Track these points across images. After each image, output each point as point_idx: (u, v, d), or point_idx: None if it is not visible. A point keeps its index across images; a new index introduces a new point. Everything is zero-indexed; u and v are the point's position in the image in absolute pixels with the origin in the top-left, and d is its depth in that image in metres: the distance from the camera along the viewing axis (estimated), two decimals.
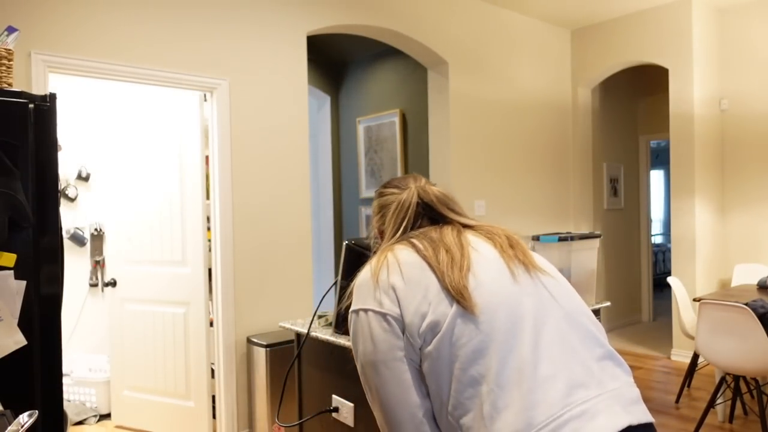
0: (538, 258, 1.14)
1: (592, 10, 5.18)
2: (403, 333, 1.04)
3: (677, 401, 4.05)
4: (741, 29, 5.09)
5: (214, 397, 3.58)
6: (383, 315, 1.05)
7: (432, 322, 1.01)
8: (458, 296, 1.01)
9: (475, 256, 1.08)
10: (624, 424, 0.96)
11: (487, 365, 0.97)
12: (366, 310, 1.07)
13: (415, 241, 1.12)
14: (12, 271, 1.74)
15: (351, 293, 1.15)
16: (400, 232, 1.20)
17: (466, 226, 1.19)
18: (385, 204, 1.28)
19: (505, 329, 1.00)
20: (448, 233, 1.13)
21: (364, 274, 1.12)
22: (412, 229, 1.20)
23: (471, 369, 0.98)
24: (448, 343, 1.00)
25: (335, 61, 5.98)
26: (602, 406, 0.97)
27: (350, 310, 1.12)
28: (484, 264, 1.07)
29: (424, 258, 1.08)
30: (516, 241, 1.14)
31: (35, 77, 2.81)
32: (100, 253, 4.42)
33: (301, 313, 3.76)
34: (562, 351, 1.00)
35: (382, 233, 1.27)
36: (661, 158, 10.85)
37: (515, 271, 1.07)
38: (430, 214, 1.22)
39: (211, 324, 3.58)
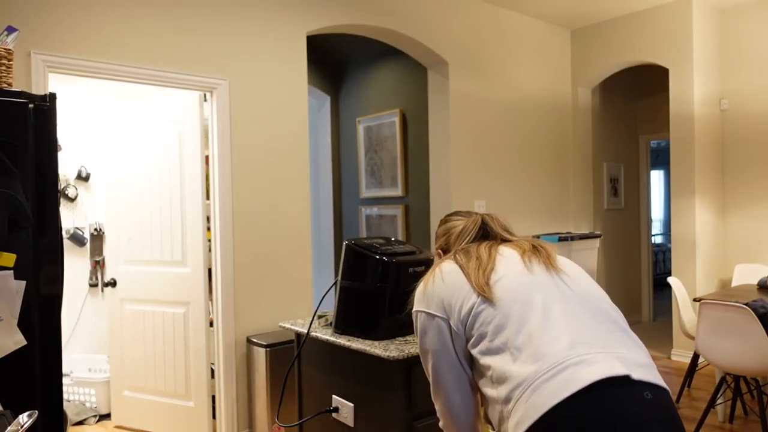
0: (560, 259, 1.42)
1: (592, 10, 5.18)
2: (449, 326, 1.36)
3: (677, 401, 4.05)
4: (741, 29, 5.09)
5: (214, 397, 3.58)
6: (432, 315, 1.39)
7: (466, 312, 1.32)
8: (480, 290, 1.32)
9: (499, 259, 1.39)
10: (622, 373, 1.13)
11: (507, 336, 1.25)
12: (421, 312, 1.42)
13: (456, 255, 1.46)
14: (12, 271, 1.74)
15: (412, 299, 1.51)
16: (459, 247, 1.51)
17: (504, 240, 1.51)
18: (451, 228, 1.64)
19: (519, 309, 1.27)
20: (483, 246, 1.45)
21: (421, 286, 1.46)
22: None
23: (496, 340, 1.26)
24: (478, 324, 1.30)
25: (335, 61, 5.98)
26: (600, 358, 1.16)
27: (413, 310, 1.46)
28: (506, 264, 1.37)
29: (460, 266, 1.40)
30: (540, 247, 1.43)
31: (35, 77, 2.81)
32: (100, 253, 4.42)
33: (301, 313, 3.76)
34: (569, 321, 1.24)
35: (443, 251, 1.64)
36: (661, 158, 10.85)
37: (532, 268, 1.36)
38: (485, 234, 1.54)
39: (211, 324, 3.57)
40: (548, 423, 1.12)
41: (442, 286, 1.39)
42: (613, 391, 1.12)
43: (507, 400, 1.20)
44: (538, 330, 1.23)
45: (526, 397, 1.16)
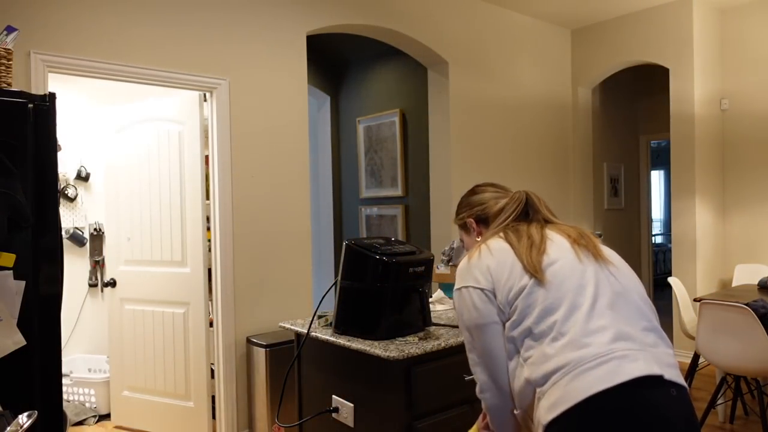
0: (605, 249, 1.43)
1: (592, 10, 5.17)
2: (496, 300, 1.35)
3: None
4: (741, 29, 5.09)
5: (213, 397, 3.57)
6: (481, 290, 1.37)
7: (516, 292, 1.32)
8: (533, 271, 1.32)
9: (549, 243, 1.39)
10: (657, 373, 1.19)
11: (554, 320, 1.27)
12: (467, 287, 1.39)
13: (505, 233, 1.44)
14: (11, 271, 1.74)
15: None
16: (503, 224, 1.49)
17: (548, 222, 1.49)
18: (487, 199, 1.64)
19: (570, 296, 1.29)
20: (533, 227, 1.44)
21: (464, 261, 1.44)
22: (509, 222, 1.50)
23: (542, 323, 1.27)
24: (525, 305, 1.30)
25: (335, 61, 5.98)
26: (641, 356, 1.21)
27: (454, 289, 1.44)
28: (556, 249, 1.38)
29: (511, 244, 1.40)
30: (586, 235, 1.45)
31: (34, 77, 2.81)
32: (100, 253, 4.41)
33: (301, 313, 3.76)
34: (614, 315, 1.27)
35: (478, 221, 1.64)
36: (661, 158, 10.84)
37: (581, 256, 1.37)
38: (527, 212, 1.51)
39: (211, 324, 3.57)
40: (585, 410, 1.16)
41: (491, 261, 1.38)
42: (651, 390, 1.18)
43: (542, 380, 1.23)
44: (585, 319, 1.26)
45: (565, 382, 1.20)
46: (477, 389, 1.41)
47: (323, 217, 5.90)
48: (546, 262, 1.34)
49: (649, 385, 1.18)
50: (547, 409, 1.20)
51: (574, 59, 5.67)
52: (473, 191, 1.71)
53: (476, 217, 1.64)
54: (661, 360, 1.23)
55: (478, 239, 1.61)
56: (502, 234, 1.45)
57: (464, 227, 1.69)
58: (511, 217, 1.50)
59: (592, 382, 1.17)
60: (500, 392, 1.36)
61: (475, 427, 1.51)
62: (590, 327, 1.24)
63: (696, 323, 3.37)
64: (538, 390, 1.24)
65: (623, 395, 1.16)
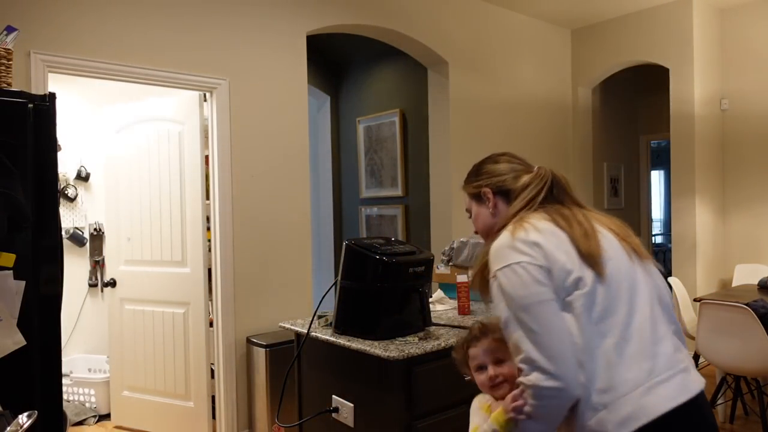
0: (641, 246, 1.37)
1: (592, 10, 5.17)
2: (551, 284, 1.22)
3: None
4: (741, 29, 5.08)
5: (213, 397, 3.57)
6: (539, 266, 1.22)
7: (575, 279, 1.21)
8: (594, 263, 1.22)
9: (600, 237, 1.29)
10: (703, 383, 1.23)
11: (614, 323, 1.19)
12: (520, 263, 1.23)
13: (549, 214, 1.32)
14: (11, 271, 1.74)
15: (481, 263, 1.34)
16: (532, 202, 1.37)
17: (581, 207, 1.39)
18: (505, 171, 1.47)
19: (626, 297, 1.22)
20: (578, 213, 1.33)
21: (504, 240, 1.29)
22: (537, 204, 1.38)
23: (602, 324, 1.19)
24: (585, 300, 1.20)
25: (335, 61, 5.98)
26: (692, 367, 1.23)
27: (494, 271, 1.26)
28: (608, 245, 1.28)
29: (562, 228, 1.28)
30: (630, 233, 1.36)
31: (35, 77, 2.81)
32: (100, 253, 4.41)
33: (301, 313, 3.75)
34: (665, 320, 1.26)
35: (496, 193, 1.47)
36: (661, 158, 10.83)
37: (630, 255, 1.29)
38: (555, 194, 1.40)
39: (211, 324, 3.57)
40: (661, 426, 1.14)
41: (542, 239, 1.25)
42: (704, 402, 1.23)
43: (606, 389, 1.15)
44: (648, 325, 1.21)
45: (638, 395, 1.15)
46: (525, 369, 1.18)
47: (323, 217, 5.90)
48: (605, 257, 1.24)
49: (703, 397, 1.22)
50: (617, 424, 1.14)
51: (574, 59, 5.67)
52: (492, 159, 1.55)
53: (495, 188, 1.48)
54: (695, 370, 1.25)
55: (491, 211, 1.47)
56: (545, 215, 1.31)
57: (477, 197, 1.52)
58: (540, 196, 1.38)
59: (667, 397, 1.15)
60: (566, 373, 1.15)
61: (500, 410, 1.29)
62: (656, 335, 1.20)
63: (696, 323, 3.37)
64: (595, 396, 1.16)
65: (692, 411, 1.17)
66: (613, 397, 1.15)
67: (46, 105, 1.85)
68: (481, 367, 1.42)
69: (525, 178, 1.43)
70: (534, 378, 1.16)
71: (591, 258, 1.22)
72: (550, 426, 1.21)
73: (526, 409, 1.19)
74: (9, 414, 1.41)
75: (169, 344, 3.68)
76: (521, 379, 1.19)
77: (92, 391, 4.03)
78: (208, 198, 3.58)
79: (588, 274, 1.21)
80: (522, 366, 1.19)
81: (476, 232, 1.57)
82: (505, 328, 1.24)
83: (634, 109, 6.73)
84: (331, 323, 2.24)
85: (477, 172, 1.54)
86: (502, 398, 1.33)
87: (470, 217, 1.57)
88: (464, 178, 1.59)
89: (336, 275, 2.25)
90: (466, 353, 1.46)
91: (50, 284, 1.86)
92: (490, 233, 1.47)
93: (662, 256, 9.20)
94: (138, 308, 3.79)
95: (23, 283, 1.76)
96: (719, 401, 3.59)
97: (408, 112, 5.24)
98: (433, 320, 2.30)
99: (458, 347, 1.50)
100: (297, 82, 3.79)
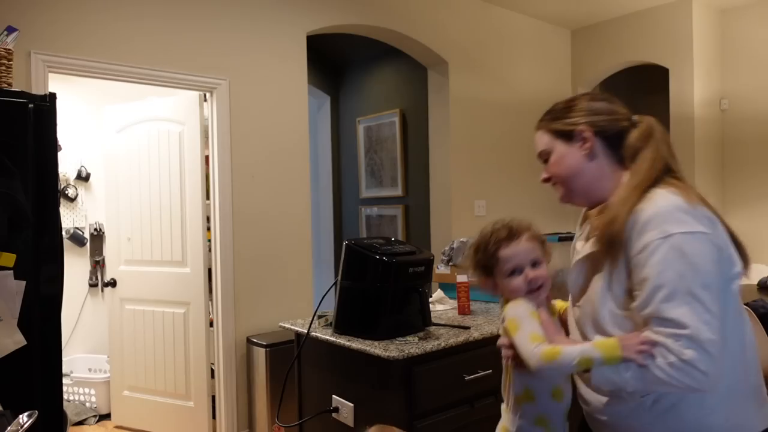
0: None
1: (592, 10, 5.17)
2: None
3: None
4: (741, 29, 5.08)
5: (213, 397, 3.57)
6: (714, 243, 1.06)
7: (736, 273, 1.11)
8: (746, 262, 1.11)
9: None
10: None
11: (745, 321, 1.13)
12: (702, 234, 1.06)
13: (697, 194, 1.14)
14: (12, 271, 1.74)
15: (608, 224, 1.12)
16: (661, 168, 1.17)
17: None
18: (619, 111, 1.25)
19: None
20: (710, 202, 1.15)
21: (677, 201, 1.08)
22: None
23: (736, 328, 1.11)
24: (733, 296, 1.11)
25: (335, 61, 5.98)
26: None
27: (671, 232, 1.06)
28: None
29: (715, 213, 1.13)
30: None
31: (35, 77, 2.81)
32: (100, 253, 4.41)
33: (301, 313, 3.75)
34: None
35: (599, 135, 1.21)
36: None
37: None
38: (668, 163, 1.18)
39: (211, 324, 3.57)
40: None
41: (713, 216, 1.12)
42: None
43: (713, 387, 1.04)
44: (752, 332, 1.17)
45: (759, 404, 1.14)
46: (683, 342, 1.02)
47: (323, 217, 5.90)
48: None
49: None
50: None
51: (574, 59, 5.67)
52: (588, 96, 1.30)
53: (599, 130, 1.23)
54: None
55: (586, 154, 1.22)
56: (695, 195, 1.14)
57: (565, 135, 1.25)
58: (668, 161, 1.19)
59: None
60: (719, 365, 1.03)
61: (614, 343, 1.09)
62: (756, 342, 1.16)
63: None
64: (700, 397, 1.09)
65: None
66: (720, 398, 1.10)
67: (46, 105, 1.85)
68: (515, 271, 1.28)
69: (657, 129, 1.23)
70: (690, 356, 1.01)
71: (746, 256, 1.12)
72: (660, 391, 1.09)
73: (659, 374, 1.03)
74: (9, 414, 1.42)
75: (169, 344, 3.68)
76: (671, 344, 1.02)
77: (92, 391, 4.03)
78: (208, 198, 3.58)
79: (741, 272, 1.11)
80: (679, 336, 1.02)
81: (547, 179, 1.33)
82: (663, 300, 1.04)
83: (634, 109, 6.69)
84: (331, 323, 2.24)
85: (573, 108, 1.27)
86: (541, 304, 1.25)
87: (544, 161, 1.32)
88: (541, 117, 1.35)
89: (336, 275, 2.25)
90: (493, 256, 1.29)
91: (50, 284, 1.86)
92: (573, 182, 1.26)
93: None
94: (138, 308, 3.79)
95: (23, 283, 1.76)
96: None
97: (408, 112, 5.24)
98: (433, 320, 2.30)
99: (480, 250, 1.32)
100: (297, 82, 3.79)
